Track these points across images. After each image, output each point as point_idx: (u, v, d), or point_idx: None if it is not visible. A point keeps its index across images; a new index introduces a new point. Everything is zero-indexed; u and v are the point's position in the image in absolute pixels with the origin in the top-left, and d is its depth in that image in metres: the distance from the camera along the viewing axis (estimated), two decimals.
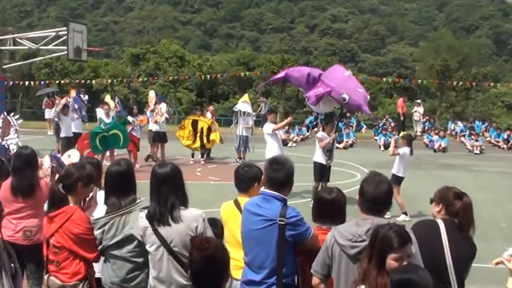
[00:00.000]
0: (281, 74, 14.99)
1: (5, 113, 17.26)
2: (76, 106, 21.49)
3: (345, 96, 12.71)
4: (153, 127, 20.30)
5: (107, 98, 21.86)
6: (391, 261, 3.85)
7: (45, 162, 7.96)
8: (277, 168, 5.00)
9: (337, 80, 13.19)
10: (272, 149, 14.28)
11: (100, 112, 20.06)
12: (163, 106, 20.53)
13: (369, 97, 13.82)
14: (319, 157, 14.04)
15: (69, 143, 20.15)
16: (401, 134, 14.46)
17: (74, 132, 20.26)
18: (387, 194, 4.49)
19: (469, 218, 4.97)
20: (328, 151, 13.97)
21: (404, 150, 13.23)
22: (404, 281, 3.55)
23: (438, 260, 4.71)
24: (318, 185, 13.78)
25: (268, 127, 14.89)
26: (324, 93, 13.00)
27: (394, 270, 3.75)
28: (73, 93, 24.42)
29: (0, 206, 4.83)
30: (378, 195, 4.44)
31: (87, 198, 5.74)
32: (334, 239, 4.48)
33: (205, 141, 20.23)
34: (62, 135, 20.32)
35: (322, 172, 13.88)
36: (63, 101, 20.87)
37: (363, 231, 4.33)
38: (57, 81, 42.88)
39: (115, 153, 17.97)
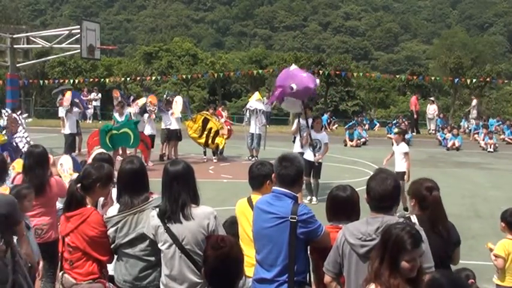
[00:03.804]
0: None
1: (9, 111, 17.33)
2: (76, 100, 21.29)
3: (293, 85, 13.11)
4: (172, 125, 20.07)
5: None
6: (405, 263, 3.84)
7: (66, 164, 7.98)
8: (287, 165, 4.98)
9: (283, 77, 13.68)
10: (296, 148, 14.41)
11: (129, 109, 20.01)
12: (178, 99, 20.38)
13: (318, 80, 14.29)
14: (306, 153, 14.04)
15: (73, 140, 20.14)
16: (396, 130, 14.34)
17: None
18: (393, 191, 4.45)
19: (438, 212, 4.97)
20: (312, 147, 13.89)
21: (405, 146, 13.23)
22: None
23: (430, 253, 4.69)
24: (308, 180, 13.85)
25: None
26: (279, 94, 13.47)
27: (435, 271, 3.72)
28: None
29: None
30: (383, 192, 4.41)
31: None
32: (345, 238, 4.48)
33: (209, 141, 20.16)
34: (67, 131, 20.06)
35: (309, 168, 13.84)
36: (68, 96, 20.74)
37: (372, 230, 4.32)
38: (70, 80, 43.11)
39: (127, 152, 17.99)
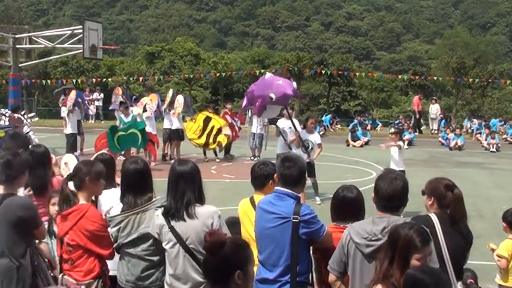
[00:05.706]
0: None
1: (9, 111, 17.33)
2: (79, 100, 21.25)
3: (271, 95, 12.69)
4: (174, 125, 20.05)
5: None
6: (415, 262, 3.84)
7: (70, 163, 7.96)
8: (290, 165, 5.00)
9: (261, 87, 13.21)
10: (278, 149, 14.38)
11: (135, 110, 19.97)
12: (179, 98, 20.32)
13: (294, 84, 14.05)
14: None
15: (75, 140, 20.15)
16: (392, 130, 14.33)
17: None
18: (402, 191, 4.46)
19: (460, 210, 4.95)
20: (305, 147, 13.82)
21: (401, 144, 13.30)
22: (416, 280, 3.50)
23: (435, 254, 4.68)
24: None
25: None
26: (260, 104, 13.06)
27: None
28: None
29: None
30: (392, 192, 4.42)
31: None
32: (350, 237, 4.48)
33: (210, 140, 20.01)
34: (68, 131, 20.03)
35: None
36: (72, 95, 20.68)
37: (378, 230, 4.32)
38: (73, 80, 43.14)
39: (131, 152, 17.95)
